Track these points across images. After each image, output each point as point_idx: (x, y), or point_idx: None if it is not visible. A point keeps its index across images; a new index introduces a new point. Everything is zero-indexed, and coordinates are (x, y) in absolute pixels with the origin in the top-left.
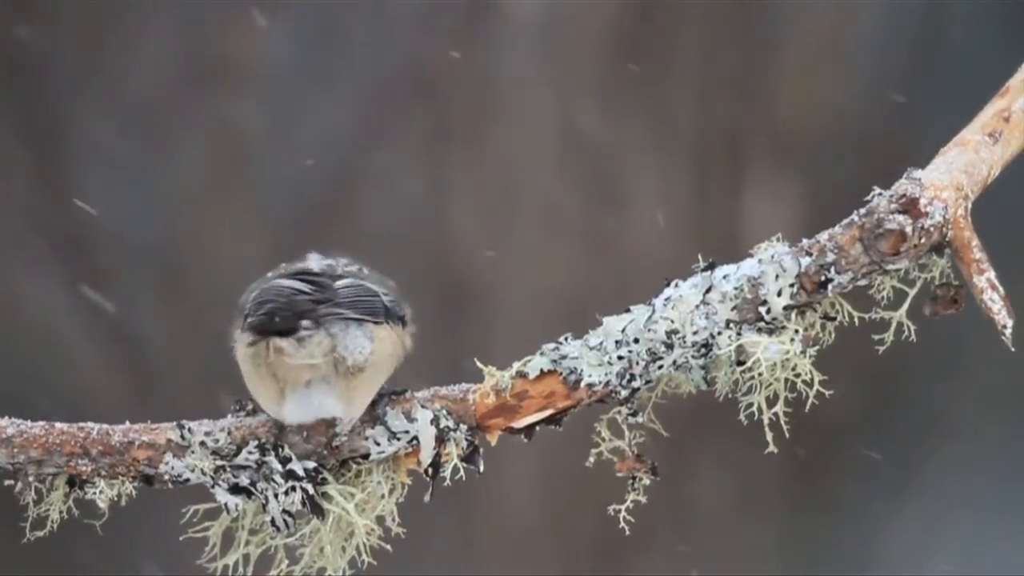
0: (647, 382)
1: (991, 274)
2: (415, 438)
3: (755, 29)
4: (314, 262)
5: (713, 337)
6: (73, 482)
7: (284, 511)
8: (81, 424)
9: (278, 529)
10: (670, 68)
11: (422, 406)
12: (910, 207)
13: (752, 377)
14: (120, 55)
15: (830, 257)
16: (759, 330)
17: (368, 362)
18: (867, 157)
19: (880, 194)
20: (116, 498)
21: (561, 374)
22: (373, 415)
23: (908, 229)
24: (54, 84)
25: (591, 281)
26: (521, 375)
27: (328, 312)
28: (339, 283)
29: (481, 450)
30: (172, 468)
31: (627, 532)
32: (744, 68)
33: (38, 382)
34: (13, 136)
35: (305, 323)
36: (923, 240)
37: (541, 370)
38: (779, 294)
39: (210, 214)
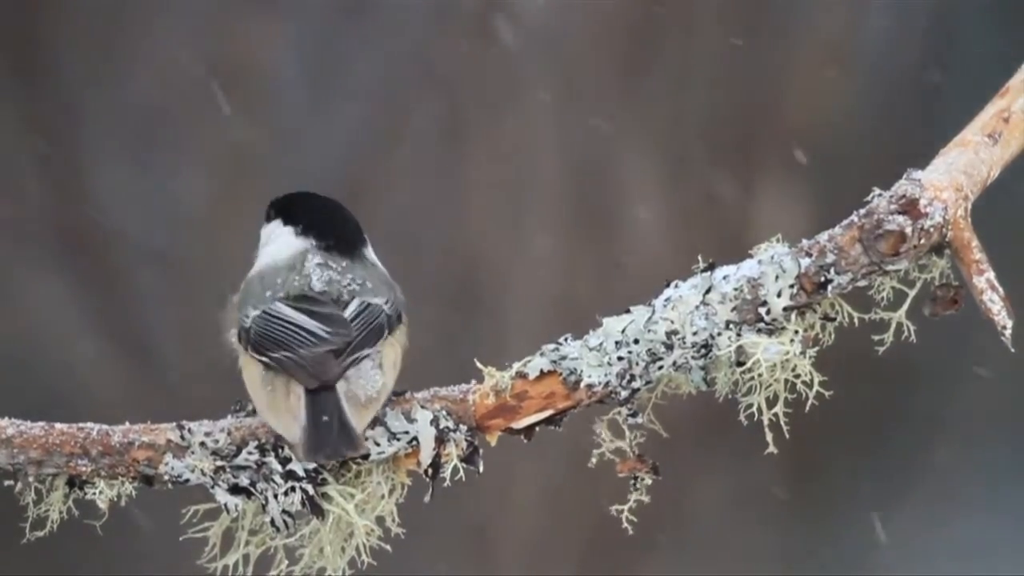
0: (647, 383)
1: (991, 274)
2: (415, 439)
3: (763, 29)
4: (314, 274)
5: (713, 338)
6: (73, 482)
7: (284, 511)
8: (81, 424)
9: (278, 529)
10: (678, 68)
11: (422, 407)
12: (910, 208)
13: (752, 378)
14: (129, 57)
15: (830, 258)
16: (759, 331)
17: (380, 393)
18: (875, 158)
19: (880, 195)
20: (116, 498)
21: (561, 375)
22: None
23: (908, 230)
24: (62, 85)
25: (598, 282)
26: (521, 376)
27: (348, 364)
28: (348, 311)
29: (481, 451)
30: (172, 468)
31: (630, 532)
32: (752, 68)
33: (39, 382)
34: (20, 137)
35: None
36: (923, 241)
37: (541, 371)
38: (779, 295)
39: (218, 215)
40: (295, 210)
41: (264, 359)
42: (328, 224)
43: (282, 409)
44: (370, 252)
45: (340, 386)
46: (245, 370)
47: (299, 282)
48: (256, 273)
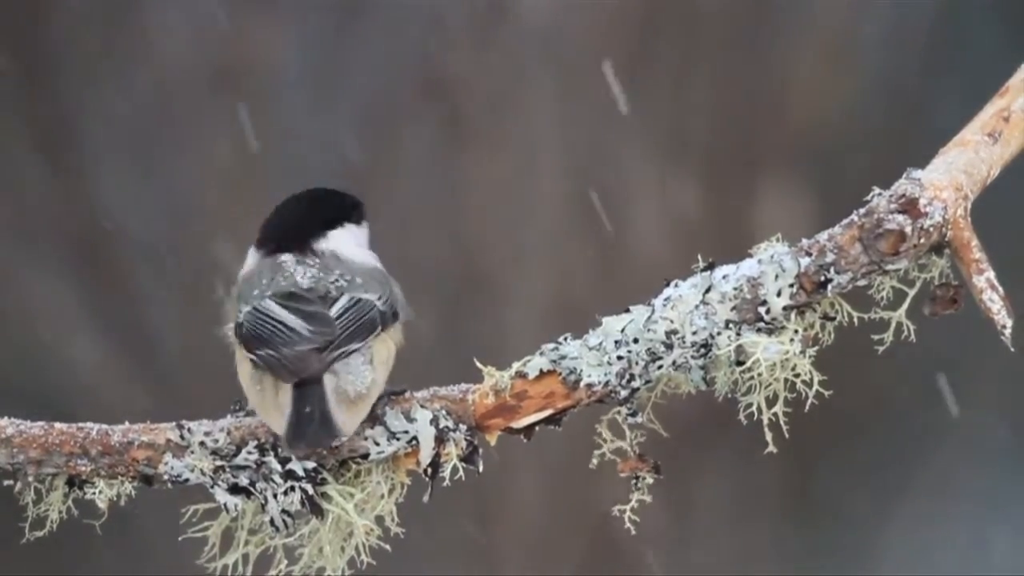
0: (646, 382)
1: (990, 274)
2: (414, 438)
3: (764, 29)
4: (297, 273)
5: (712, 337)
6: (72, 482)
7: (283, 511)
8: (80, 424)
9: (277, 529)
10: (678, 69)
11: (421, 406)
12: (909, 207)
13: (751, 377)
14: (129, 58)
15: (829, 257)
16: (758, 330)
17: (370, 389)
18: (875, 158)
19: (880, 194)
20: (115, 498)
21: (560, 374)
22: (372, 415)
23: (907, 229)
24: (62, 85)
25: (598, 282)
26: (520, 375)
27: (333, 359)
28: (335, 308)
29: (480, 450)
30: (171, 468)
31: (632, 532)
32: (755, 69)
33: (39, 382)
34: (20, 138)
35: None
36: (922, 240)
37: (540, 370)
38: (778, 294)
39: (218, 215)
40: (262, 230)
41: (252, 356)
42: (275, 228)
43: (271, 406)
44: (337, 237)
45: (329, 380)
46: (239, 367)
47: (286, 281)
48: (254, 270)
